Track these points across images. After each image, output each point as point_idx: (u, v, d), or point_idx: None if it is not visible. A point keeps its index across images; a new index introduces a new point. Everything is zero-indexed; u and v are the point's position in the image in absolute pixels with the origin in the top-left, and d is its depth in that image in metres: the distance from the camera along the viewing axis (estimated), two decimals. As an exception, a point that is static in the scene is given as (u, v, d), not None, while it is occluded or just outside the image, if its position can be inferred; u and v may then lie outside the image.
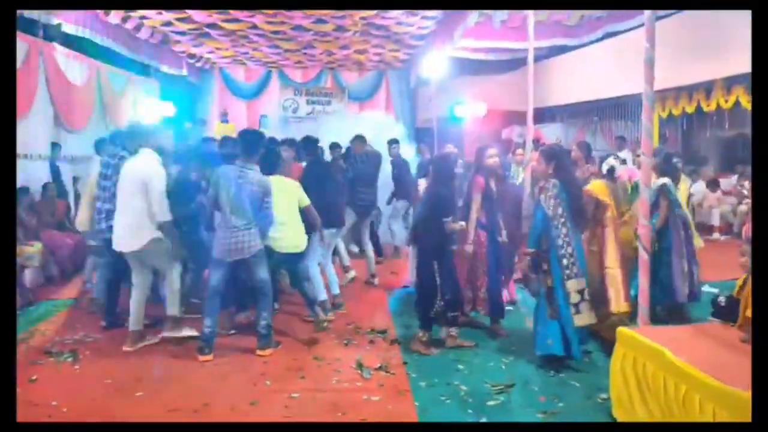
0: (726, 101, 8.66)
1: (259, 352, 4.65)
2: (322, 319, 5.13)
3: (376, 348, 4.82)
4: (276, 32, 10.87)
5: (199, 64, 14.23)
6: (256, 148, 4.69)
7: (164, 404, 3.77)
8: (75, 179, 8.56)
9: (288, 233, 4.93)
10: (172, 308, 4.86)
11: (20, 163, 7.51)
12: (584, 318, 4.33)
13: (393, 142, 8.26)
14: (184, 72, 13.58)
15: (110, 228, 4.81)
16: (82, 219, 5.70)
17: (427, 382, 4.11)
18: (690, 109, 9.54)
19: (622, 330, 3.51)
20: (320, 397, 3.88)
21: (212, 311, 4.63)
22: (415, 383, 4.10)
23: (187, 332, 4.88)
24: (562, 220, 4.30)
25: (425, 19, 10.20)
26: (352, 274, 6.81)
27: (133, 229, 4.63)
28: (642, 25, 3.80)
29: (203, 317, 4.67)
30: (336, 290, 5.90)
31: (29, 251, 6.60)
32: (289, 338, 5.03)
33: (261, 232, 4.64)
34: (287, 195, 4.95)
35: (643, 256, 3.77)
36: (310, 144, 6.10)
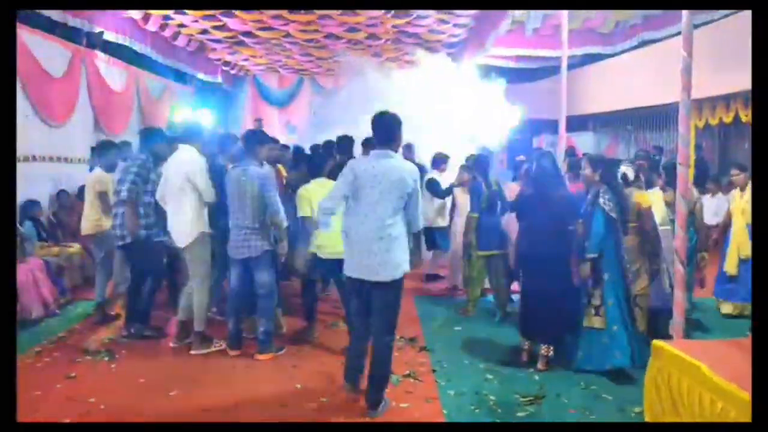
0: (766, 111, 8.44)
1: (257, 356, 4.68)
2: None
3: (404, 355, 4.82)
4: (309, 40, 11.02)
5: (233, 72, 14.50)
6: (254, 147, 4.76)
7: (196, 404, 3.84)
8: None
9: (331, 238, 4.71)
10: (199, 324, 4.84)
11: (60, 167, 7.79)
12: (642, 322, 4.42)
13: (406, 148, 7.52)
14: (219, 79, 13.85)
15: (121, 231, 4.99)
16: (85, 225, 5.75)
17: (456, 391, 4.10)
18: (728, 119, 9.32)
19: (657, 343, 3.45)
20: (349, 402, 3.90)
21: (232, 311, 4.79)
22: (444, 391, 4.09)
23: (218, 346, 4.86)
24: (617, 225, 4.35)
25: (457, 27, 10.22)
26: None
27: (180, 225, 4.75)
28: (679, 33, 3.76)
29: (227, 318, 4.85)
30: None
31: (68, 252, 6.80)
32: (318, 343, 5.07)
33: (273, 223, 4.66)
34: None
35: (679, 269, 3.71)
36: (344, 144, 6.07)
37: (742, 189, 5.83)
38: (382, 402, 3.74)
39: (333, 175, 4.53)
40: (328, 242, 4.65)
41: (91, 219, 5.67)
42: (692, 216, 5.25)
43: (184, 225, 4.73)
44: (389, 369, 3.81)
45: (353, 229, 3.65)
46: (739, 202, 5.83)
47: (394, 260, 3.59)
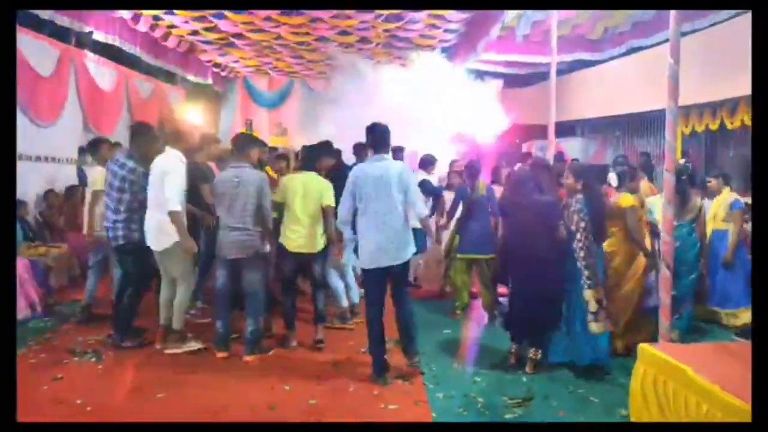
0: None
1: (245, 357, 4.67)
2: (320, 334, 5.08)
3: (393, 357, 4.81)
4: (300, 43, 11.02)
5: (224, 73, 14.47)
6: (246, 148, 4.82)
7: (185, 405, 3.83)
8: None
9: (301, 232, 4.92)
10: (177, 323, 4.86)
11: (49, 167, 7.73)
12: (601, 326, 4.45)
13: (398, 150, 6.96)
14: (209, 81, 13.82)
15: (114, 233, 4.92)
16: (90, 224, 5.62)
17: (445, 394, 4.11)
18: (714, 127, 9.44)
19: (643, 347, 3.49)
20: (338, 404, 3.91)
21: (220, 313, 4.78)
22: (432, 394, 4.11)
23: (192, 346, 4.88)
24: (585, 233, 4.42)
25: (448, 32, 10.27)
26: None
27: (157, 228, 4.72)
28: (666, 40, 3.82)
29: (213, 319, 4.83)
30: (356, 299, 5.86)
31: (55, 252, 6.74)
32: (307, 345, 5.06)
33: (262, 226, 4.73)
34: (308, 193, 4.92)
35: (665, 273, 3.76)
36: (331, 149, 6.08)
37: (718, 194, 6.01)
38: (418, 354, 4.48)
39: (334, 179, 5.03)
40: (293, 236, 4.92)
41: (91, 221, 5.55)
42: (695, 223, 5.37)
43: (160, 229, 4.70)
44: (415, 328, 4.46)
45: (365, 227, 4.30)
46: (712, 207, 5.99)
47: (402, 246, 4.27)
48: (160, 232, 4.70)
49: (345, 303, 5.59)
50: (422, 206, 4.48)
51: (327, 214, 4.94)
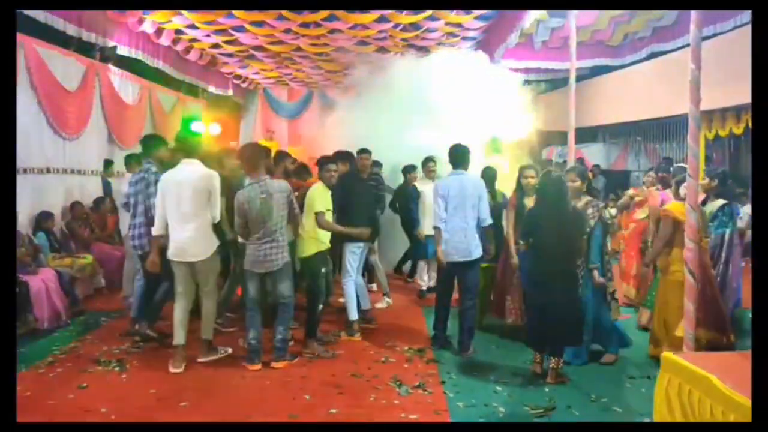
0: (777, 122, 8.39)
1: (273, 363, 4.72)
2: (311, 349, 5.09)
3: (413, 366, 4.82)
4: (319, 54, 11.13)
5: (244, 85, 14.67)
6: (258, 161, 4.81)
7: (206, 415, 3.86)
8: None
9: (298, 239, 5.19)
10: (206, 333, 4.87)
11: (75, 179, 7.89)
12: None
13: (363, 152, 6.68)
14: (230, 92, 14.02)
15: (140, 239, 5.16)
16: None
17: (465, 403, 4.08)
18: (738, 131, 9.28)
19: (666, 355, 3.43)
20: (358, 414, 3.90)
21: (253, 323, 4.76)
22: (453, 403, 4.08)
23: (222, 353, 4.93)
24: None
25: (466, 41, 10.29)
26: (389, 302, 6.71)
27: (198, 239, 4.70)
28: (687, 45, 3.77)
29: (246, 330, 4.81)
30: (367, 305, 5.91)
31: (80, 263, 6.87)
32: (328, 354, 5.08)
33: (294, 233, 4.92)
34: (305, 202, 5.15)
35: (690, 281, 3.69)
36: (345, 156, 6.09)
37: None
38: (471, 348, 5.06)
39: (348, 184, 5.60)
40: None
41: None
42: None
43: (203, 239, 4.71)
44: (472, 321, 5.12)
45: (448, 227, 5.01)
46: (744, 209, 5.90)
47: (473, 246, 5.03)
48: (204, 242, 4.72)
49: (354, 315, 5.58)
50: (487, 215, 5.10)
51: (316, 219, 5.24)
